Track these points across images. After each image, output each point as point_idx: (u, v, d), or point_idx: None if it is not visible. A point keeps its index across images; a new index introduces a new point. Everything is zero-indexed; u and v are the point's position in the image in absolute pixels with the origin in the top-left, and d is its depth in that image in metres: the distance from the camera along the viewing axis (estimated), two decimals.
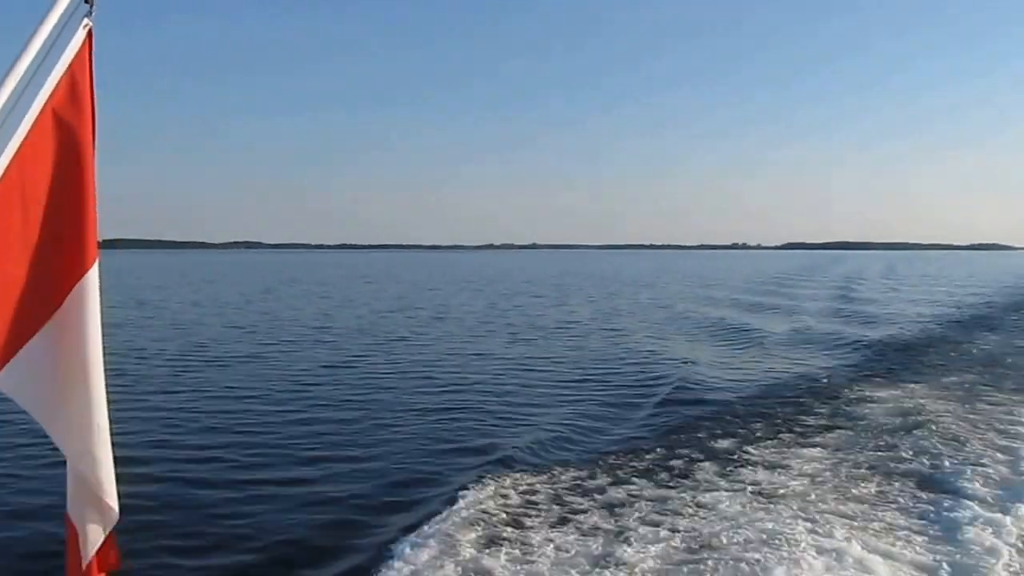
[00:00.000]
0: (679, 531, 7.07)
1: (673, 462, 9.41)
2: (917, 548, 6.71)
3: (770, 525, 7.05)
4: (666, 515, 7.55)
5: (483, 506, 7.79)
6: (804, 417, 11.66)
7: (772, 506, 7.68)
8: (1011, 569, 6.26)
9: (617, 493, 8.27)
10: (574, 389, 14.86)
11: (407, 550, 6.73)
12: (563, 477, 8.90)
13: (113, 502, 2.63)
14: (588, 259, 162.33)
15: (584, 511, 7.71)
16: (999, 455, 9.26)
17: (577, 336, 23.62)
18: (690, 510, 7.68)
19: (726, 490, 8.24)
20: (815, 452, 9.74)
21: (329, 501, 8.51)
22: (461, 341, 22.48)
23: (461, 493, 8.17)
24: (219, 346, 20.86)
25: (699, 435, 10.73)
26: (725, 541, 6.71)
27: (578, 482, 8.72)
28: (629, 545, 6.73)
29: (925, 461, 9.16)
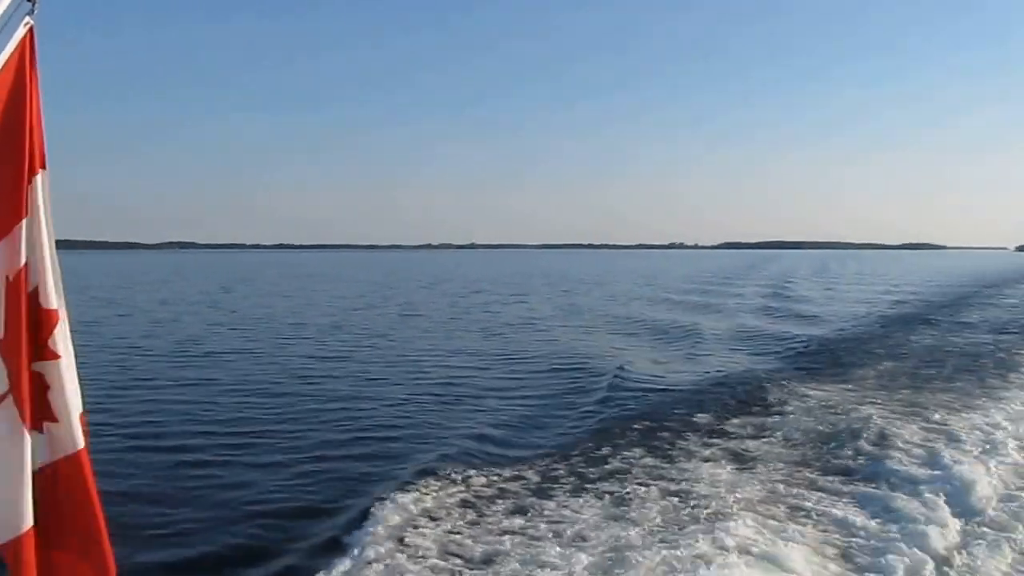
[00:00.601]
0: (611, 527, 7.13)
1: (608, 459, 9.47)
2: (845, 540, 6.91)
3: (702, 519, 7.23)
4: (599, 511, 7.60)
5: (412, 508, 7.72)
6: (737, 414, 11.88)
7: (704, 501, 7.79)
8: (937, 556, 6.52)
9: (550, 492, 8.30)
10: (510, 389, 14.87)
11: (335, 556, 6.65)
12: (496, 477, 8.86)
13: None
14: (528, 259, 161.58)
15: (517, 511, 7.69)
16: (925, 449, 9.58)
17: (516, 335, 23.60)
18: (623, 507, 7.72)
19: (659, 486, 8.31)
20: (746, 448, 9.94)
21: (256, 503, 8.39)
22: (398, 340, 22.37)
23: (391, 495, 8.03)
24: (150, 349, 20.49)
25: (633, 433, 10.80)
26: (657, 537, 6.80)
27: (512, 482, 8.71)
28: (561, 544, 6.76)
29: (855, 455, 9.51)
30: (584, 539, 6.90)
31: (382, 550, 6.67)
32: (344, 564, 6.49)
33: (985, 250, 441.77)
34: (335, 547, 6.98)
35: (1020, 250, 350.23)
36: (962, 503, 7.74)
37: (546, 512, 7.65)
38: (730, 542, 6.57)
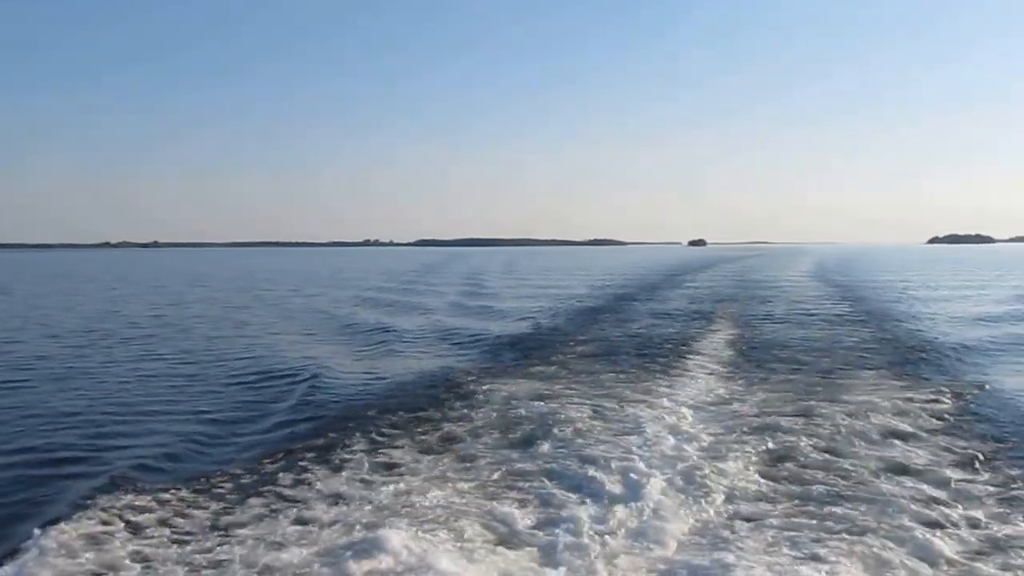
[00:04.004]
0: (312, 530, 6.94)
1: (304, 466, 9.19)
2: (536, 537, 7.09)
3: (401, 523, 7.06)
4: (292, 522, 7.41)
5: (87, 530, 7.14)
6: (432, 412, 11.91)
7: (404, 506, 7.72)
8: (608, 542, 6.87)
9: (244, 504, 7.95)
10: (196, 395, 13.90)
11: None
12: (184, 491, 8.36)
13: None
14: (215, 258, 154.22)
15: (197, 531, 7.26)
16: (614, 440, 10.07)
17: (203, 338, 22.14)
18: (315, 512, 7.62)
19: (356, 491, 8.22)
20: (442, 448, 10.03)
21: None
22: (73, 345, 20.18)
23: (66, 514, 7.47)
24: None
25: (331, 436, 10.56)
26: (344, 540, 6.79)
27: (200, 496, 8.23)
28: (247, 561, 6.47)
29: (540, 447, 9.85)
30: (280, 545, 6.74)
31: None
32: None
33: (662, 245, 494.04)
34: None
35: (692, 245, 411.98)
36: (636, 486, 8.25)
37: (233, 531, 7.23)
38: (399, 545, 6.56)
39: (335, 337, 22.60)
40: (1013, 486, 8.43)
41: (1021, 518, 7.53)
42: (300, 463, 9.42)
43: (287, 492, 8.36)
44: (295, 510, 7.77)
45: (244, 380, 15.45)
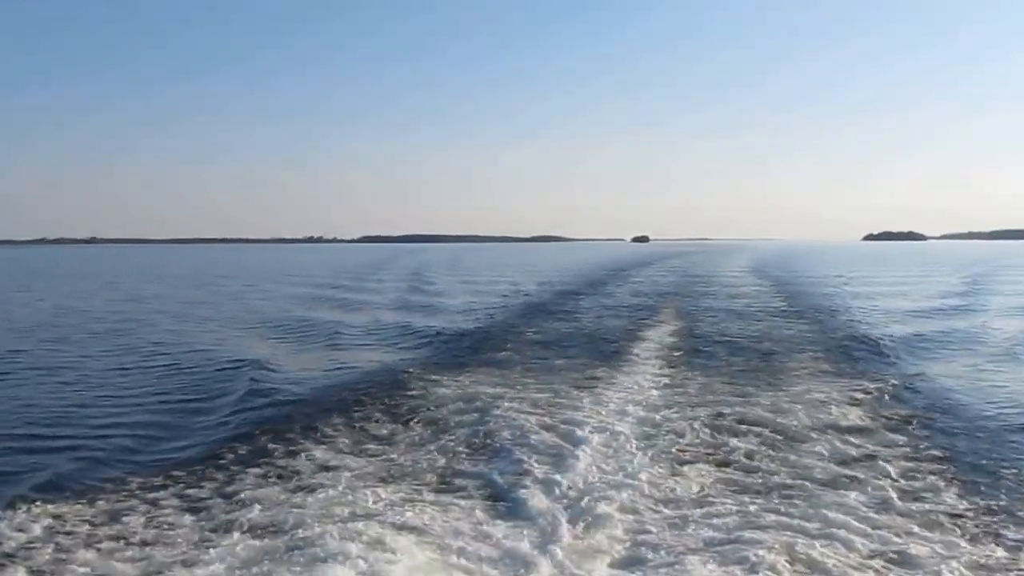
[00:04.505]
0: (254, 531, 6.87)
1: (238, 468, 9.08)
2: (480, 534, 7.08)
3: (343, 518, 7.05)
4: (238, 518, 7.32)
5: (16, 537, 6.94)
6: (377, 409, 11.85)
7: (346, 498, 7.67)
8: (558, 536, 6.91)
9: (185, 503, 7.84)
10: (136, 395, 13.56)
11: None
12: (122, 493, 8.22)
13: None
14: (150, 254, 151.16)
15: (130, 535, 7.09)
16: (559, 435, 10.07)
17: (138, 337, 21.51)
18: (257, 510, 7.50)
19: (292, 493, 8.10)
20: (382, 446, 9.96)
21: None
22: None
23: None
24: None
25: (270, 436, 10.40)
26: (281, 543, 6.66)
27: (141, 497, 8.08)
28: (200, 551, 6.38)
29: (486, 445, 9.85)
30: (211, 549, 6.54)
31: None
32: None
33: (606, 241, 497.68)
34: None
35: (635, 241, 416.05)
36: (583, 479, 8.35)
37: (166, 530, 7.13)
38: (336, 547, 6.42)
39: (277, 335, 22.25)
40: (942, 471, 8.76)
41: (951, 499, 7.81)
42: (235, 464, 9.26)
43: (216, 497, 8.14)
44: (225, 515, 7.49)
45: (180, 381, 15.07)
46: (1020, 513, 7.58)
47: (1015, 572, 6.34)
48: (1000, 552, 6.66)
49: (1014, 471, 8.87)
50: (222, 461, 9.41)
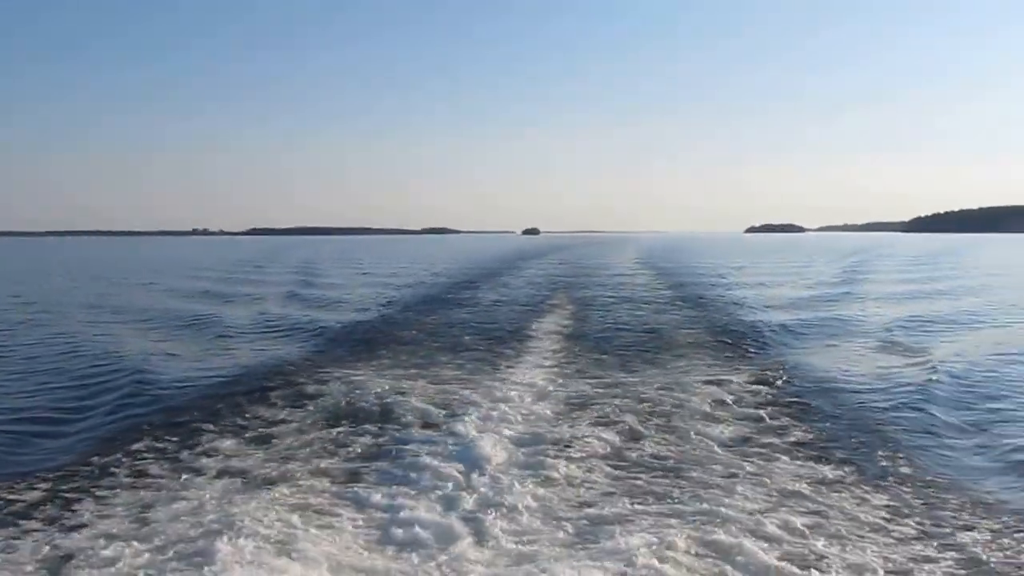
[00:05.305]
0: (147, 531, 6.65)
1: (132, 464, 8.81)
2: (374, 532, 6.97)
3: (234, 515, 6.89)
4: (122, 518, 7.09)
5: None
6: (269, 405, 11.64)
7: (239, 496, 7.46)
8: (463, 521, 6.91)
9: (69, 507, 7.48)
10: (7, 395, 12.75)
11: None
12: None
13: None
14: (33, 248, 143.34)
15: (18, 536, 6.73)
16: (451, 428, 9.98)
17: (15, 335, 20.21)
18: (147, 510, 7.26)
19: (191, 485, 7.93)
20: (273, 444, 9.71)
21: None
22: None
23: None
24: None
25: (155, 436, 10.02)
26: (189, 534, 6.55)
27: (18, 500, 7.68)
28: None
29: (381, 436, 9.79)
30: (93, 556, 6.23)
31: None
32: None
33: (497, 233, 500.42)
34: None
35: (526, 233, 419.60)
36: (480, 468, 8.33)
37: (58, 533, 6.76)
38: (228, 553, 6.16)
39: (163, 330, 21.32)
40: (824, 449, 9.24)
41: (831, 478, 8.20)
42: (115, 467, 8.84)
43: (90, 500, 7.82)
44: (107, 522, 7.12)
45: (56, 382, 14.15)
46: (890, 480, 8.26)
47: (893, 529, 6.86)
48: (880, 514, 7.23)
49: (890, 445, 9.55)
50: (89, 467, 8.87)
